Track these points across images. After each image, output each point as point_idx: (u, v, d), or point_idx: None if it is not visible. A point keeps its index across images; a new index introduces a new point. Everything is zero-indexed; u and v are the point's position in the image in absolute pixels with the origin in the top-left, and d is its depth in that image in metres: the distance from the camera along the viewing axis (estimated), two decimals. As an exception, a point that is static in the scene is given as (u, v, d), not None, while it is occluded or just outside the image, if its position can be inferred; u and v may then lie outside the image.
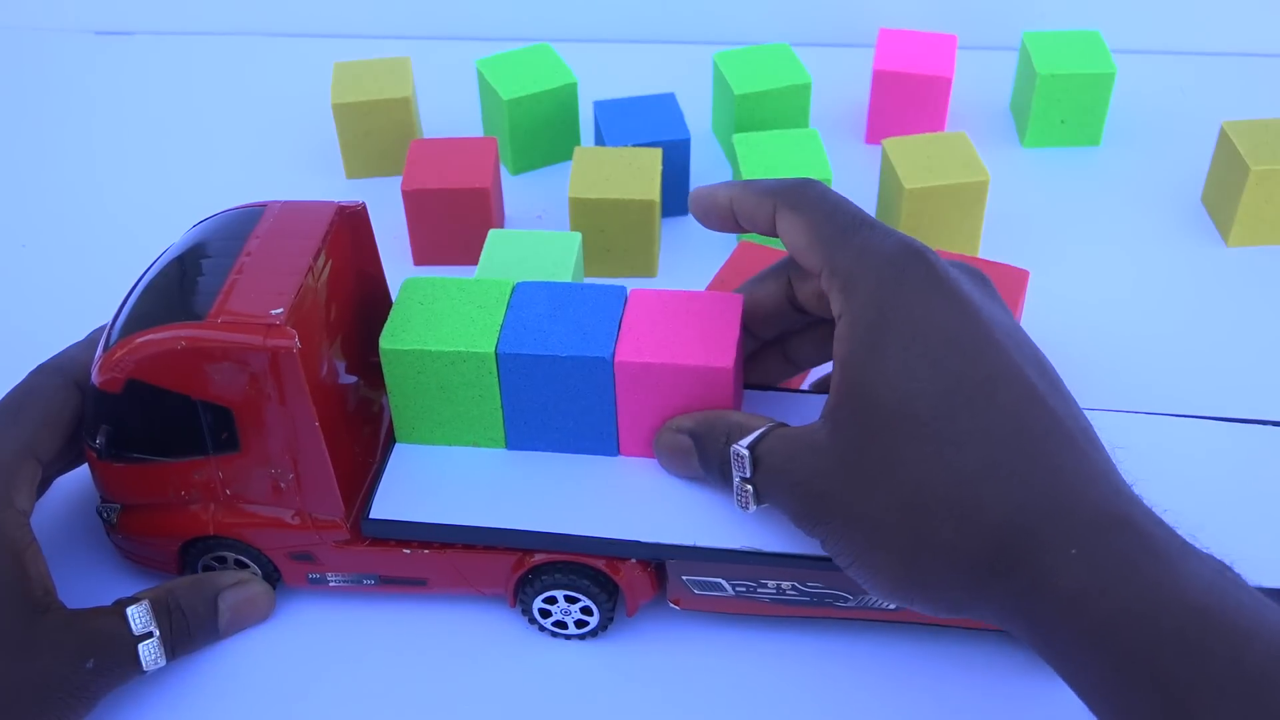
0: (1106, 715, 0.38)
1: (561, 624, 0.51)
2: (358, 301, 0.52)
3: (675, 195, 0.71)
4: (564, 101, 0.75)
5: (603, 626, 0.51)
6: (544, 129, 0.76)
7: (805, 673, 0.50)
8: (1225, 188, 0.70)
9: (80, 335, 0.53)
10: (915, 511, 0.40)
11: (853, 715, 0.48)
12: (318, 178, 0.77)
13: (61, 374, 0.50)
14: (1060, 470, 0.40)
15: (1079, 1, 0.86)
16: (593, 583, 0.49)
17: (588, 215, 0.66)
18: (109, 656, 0.47)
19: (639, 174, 0.67)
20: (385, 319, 0.50)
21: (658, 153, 0.68)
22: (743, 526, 0.47)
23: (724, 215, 0.49)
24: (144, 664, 0.48)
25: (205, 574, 0.51)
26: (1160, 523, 0.39)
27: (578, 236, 0.62)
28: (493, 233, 0.62)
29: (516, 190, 0.75)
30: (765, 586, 0.49)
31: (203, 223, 0.52)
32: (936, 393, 0.41)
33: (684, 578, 0.49)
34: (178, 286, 0.49)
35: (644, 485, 0.49)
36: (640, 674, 0.50)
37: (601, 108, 0.74)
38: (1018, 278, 0.60)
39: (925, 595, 0.41)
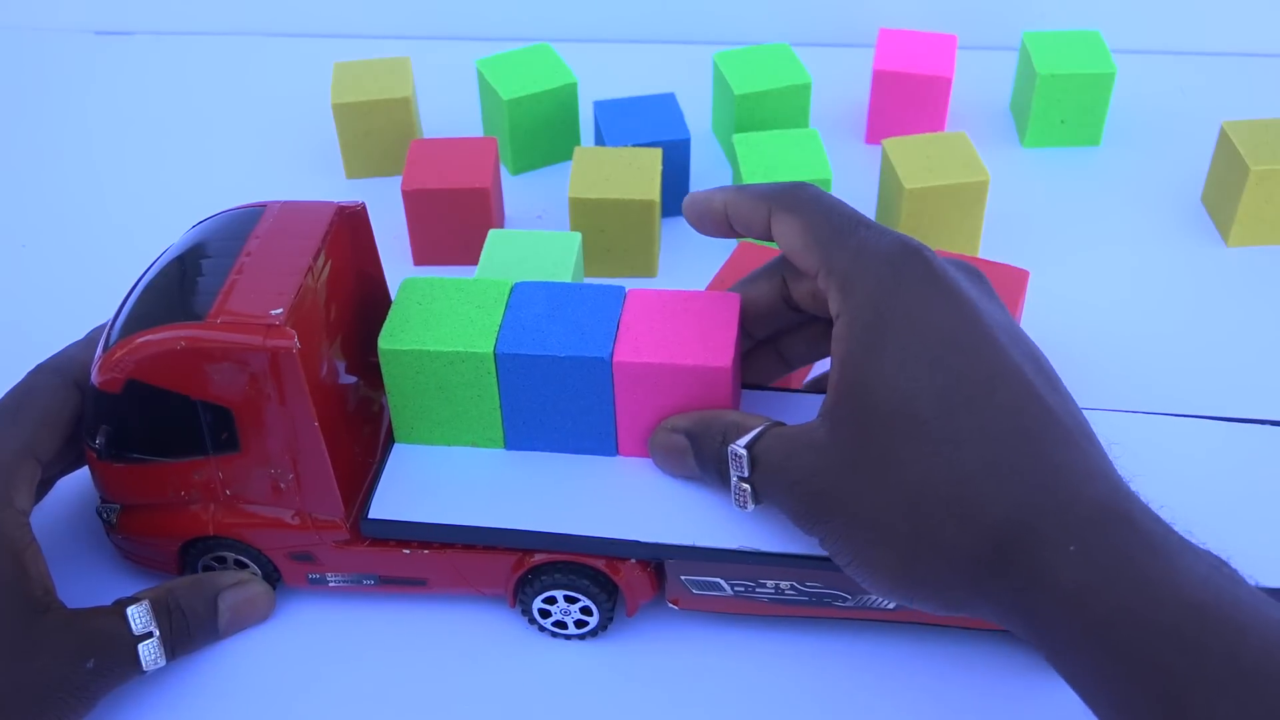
0: (1105, 710, 0.38)
1: (561, 624, 0.51)
2: (357, 301, 0.52)
3: (675, 195, 0.71)
4: (564, 101, 0.75)
5: (602, 626, 0.51)
6: (544, 129, 0.76)
7: (805, 673, 0.50)
8: (1225, 188, 0.70)
9: (80, 335, 0.53)
10: (914, 510, 0.40)
11: (853, 715, 0.48)
12: (318, 178, 0.77)
13: (61, 374, 0.50)
14: (1059, 467, 0.40)
15: (1079, 1, 0.86)
16: (592, 583, 0.49)
17: (588, 215, 0.66)
18: (109, 656, 0.47)
19: (639, 174, 0.67)
20: (385, 319, 0.50)
21: (658, 153, 0.68)
22: (742, 526, 0.47)
23: (719, 221, 0.49)
24: (144, 664, 0.48)
25: (205, 574, 0.51)
26: (1158, 519, 0.39)
27: (577, 236, 0.62)
28: (493, 233, 0.62)
29: (516, 190, 0.75)
30: (764, 586, 0.49)
31: (202, 223, 0.52)
32: (935, 391, 0.41)
33: (682, 578, 0.49)
34: (177, 286, 0.49)
35: (643, 485, 0.49)
36: (640, 674, 0.50)
37: (601, 108, 0.74)
38: (1018, 278, 0.60)
39: (925, 593, 0.41)
